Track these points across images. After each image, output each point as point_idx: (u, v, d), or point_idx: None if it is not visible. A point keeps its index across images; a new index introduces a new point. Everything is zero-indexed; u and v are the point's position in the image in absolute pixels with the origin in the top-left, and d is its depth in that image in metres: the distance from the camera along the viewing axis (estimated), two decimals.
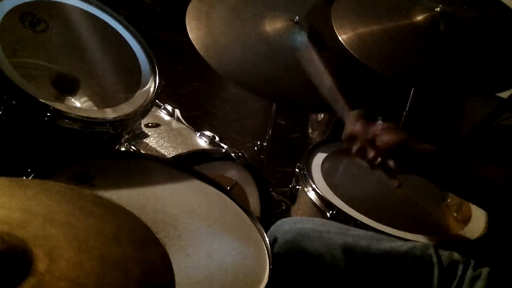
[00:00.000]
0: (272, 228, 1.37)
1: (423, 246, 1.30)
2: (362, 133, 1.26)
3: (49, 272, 0.64)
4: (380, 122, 1.28)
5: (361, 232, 1.37)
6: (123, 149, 1.64)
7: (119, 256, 0.70)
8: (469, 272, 1.23)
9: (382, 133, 1.24)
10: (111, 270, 0.67)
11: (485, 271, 1.22)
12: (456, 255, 1.28)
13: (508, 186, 1.19)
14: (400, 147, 1.22)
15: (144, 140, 1.77)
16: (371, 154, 1.25)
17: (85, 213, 0.77)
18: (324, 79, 1.40)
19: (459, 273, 1.24)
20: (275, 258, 1.20)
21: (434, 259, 1.26)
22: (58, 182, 0.87)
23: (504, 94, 1.80)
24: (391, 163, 1.24)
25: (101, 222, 0.76)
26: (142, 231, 0.79)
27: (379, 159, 1.24)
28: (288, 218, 1.59)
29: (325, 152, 1.80)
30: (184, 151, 1.74)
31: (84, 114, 1.41)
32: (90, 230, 0.73)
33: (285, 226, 1.36)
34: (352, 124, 1.29)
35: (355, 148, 1.28)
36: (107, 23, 1.63)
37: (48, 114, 1.34)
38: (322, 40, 1.92)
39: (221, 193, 1.41)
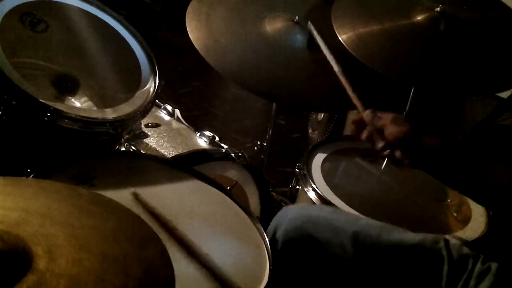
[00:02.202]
0: (277, 216, 1.36)
1: (434, 238, 1.29)
2: (371, 121, 1.27)
3: (49, 269, 0.64)
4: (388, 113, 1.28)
5: (371, 221, 1.36)
6: (123, 149, 1.64)
7: (119, 253, 0.70)
8: (478, 266, 1.22)
9: (390, 124, 1.24)
10: (111, 268, 0.67)
11: (494, 265, 1.22)
12: (465, 249, 1.27)
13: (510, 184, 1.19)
14: (407, 139, 1.23)
15: (144, 140, 1.77)
16: (379, 144, 1.25)
17: (83, 211, 0.77)
18: (333, 64, 1.46)
19: (469, 267, 1.23)
20: (281, 246, 1.18)
21: (444, 253, 1.25)
22: (57, 182, 0.87)
23: (504, 94, 1.80)
24: (398, 154, 1.24)
25: (100, 220, 0.76)
26: (141, 229, 0.79)
27: (387, 150, 1.25)
28: (293, 205, 1.56)
29: (325, 152, 1.80)
30: (184, 151, 1.74)
31: (84, 114, 1.41)
32: (89, 228, 0.73)
33: (291, 213, 1.35)
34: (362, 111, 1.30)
35: (364, 134, 1.28)
36: (107, 23, 1.63)
37: (48, 114, 1.34)
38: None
39: (221, 193, 1.41)
